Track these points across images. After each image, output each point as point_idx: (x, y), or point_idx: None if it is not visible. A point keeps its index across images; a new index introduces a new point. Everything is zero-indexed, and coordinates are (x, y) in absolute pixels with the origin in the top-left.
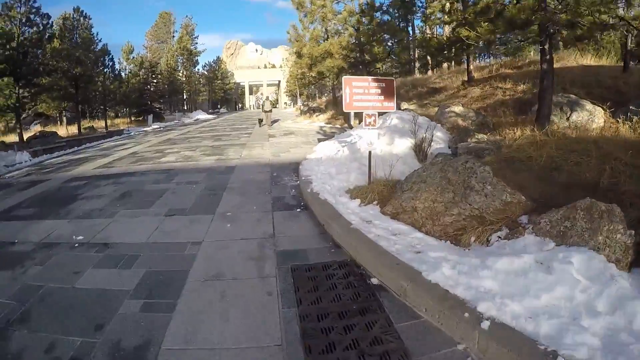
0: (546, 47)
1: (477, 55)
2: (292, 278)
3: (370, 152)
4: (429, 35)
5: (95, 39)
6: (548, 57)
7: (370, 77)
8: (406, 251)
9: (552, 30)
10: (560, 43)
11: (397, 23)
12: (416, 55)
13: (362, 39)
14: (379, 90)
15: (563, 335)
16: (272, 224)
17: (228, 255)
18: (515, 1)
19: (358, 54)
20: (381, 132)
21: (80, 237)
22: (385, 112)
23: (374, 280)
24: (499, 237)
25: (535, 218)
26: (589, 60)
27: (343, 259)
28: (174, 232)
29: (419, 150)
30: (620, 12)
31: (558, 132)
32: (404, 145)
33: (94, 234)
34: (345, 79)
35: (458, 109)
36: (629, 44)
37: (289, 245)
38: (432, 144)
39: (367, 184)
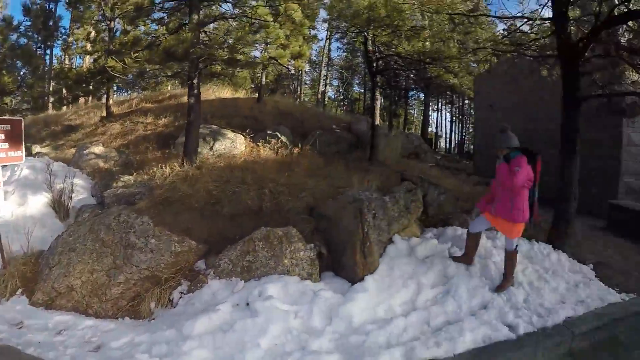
0: (195, 81)
1: (117, 89)
2: None
3: None
4: (67, 65)
5: None
6: (196, 91)
7: None
8: (84, 354)
9: (201, 66)
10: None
11: (36, 48)
12: (51, 88)
13: None
14: (2, 136)
15: None
16: None
17: None
18: (167, 34)
19: None
20: (9, 190)
21: None
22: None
23: None
24: (182, 292)
25: (213, 261)
26: (225, 93)
27: None
28: None
29: (59, 205)
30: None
31: (207, 164)
32: (39, 202)
33: None
34: None
35: (98, 149)
36: (263, 79)
37: None
38: (72, 195)
39: (1, 268)
